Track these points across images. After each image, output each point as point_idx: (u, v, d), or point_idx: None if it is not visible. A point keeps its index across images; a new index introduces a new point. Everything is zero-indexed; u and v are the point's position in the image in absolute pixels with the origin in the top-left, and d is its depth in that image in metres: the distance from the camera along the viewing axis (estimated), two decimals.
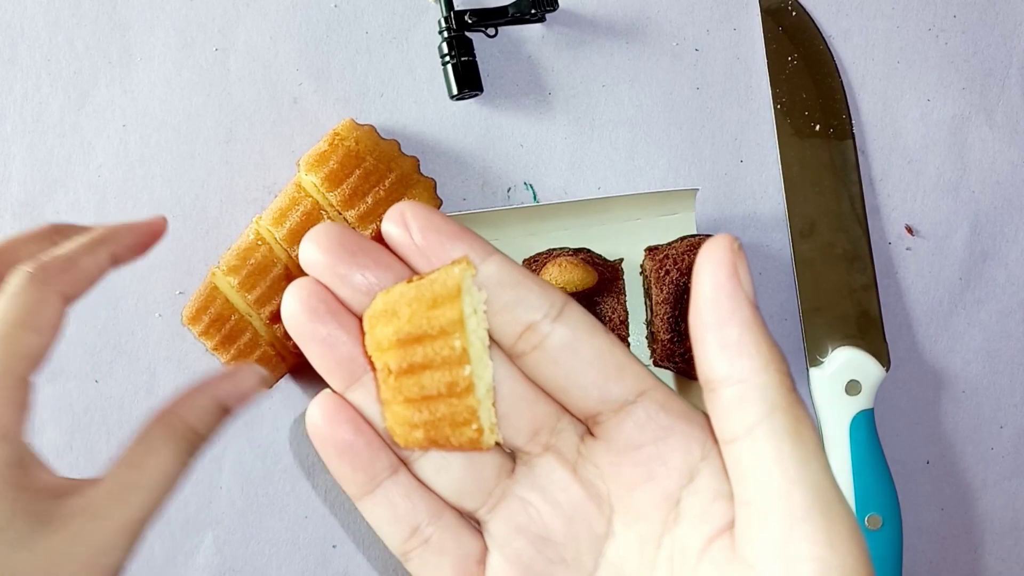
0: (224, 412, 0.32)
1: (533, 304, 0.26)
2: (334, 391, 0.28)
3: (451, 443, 0.26)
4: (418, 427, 0.26)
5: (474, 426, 0.25)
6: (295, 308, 0.27)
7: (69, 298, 0.31)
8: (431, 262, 0.27)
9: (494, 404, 0.26)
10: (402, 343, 0.25)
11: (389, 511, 0.28)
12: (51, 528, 0.28)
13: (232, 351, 0.50)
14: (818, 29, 0.54)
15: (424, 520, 0.28)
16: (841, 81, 0.54)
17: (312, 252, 0.27)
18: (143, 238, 0.34)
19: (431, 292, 0.25)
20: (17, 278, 0.30)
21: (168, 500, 0.30)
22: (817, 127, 0.54)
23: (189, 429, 0.31)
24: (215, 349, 0.50)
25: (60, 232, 0.34)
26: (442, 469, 0.28)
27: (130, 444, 0.31)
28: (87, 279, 0.32)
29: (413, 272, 0.27)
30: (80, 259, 0.32)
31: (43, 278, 0.30)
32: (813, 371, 0.53)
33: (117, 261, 0.33)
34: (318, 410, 0.27)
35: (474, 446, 0.26)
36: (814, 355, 0.53)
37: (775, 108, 0.54)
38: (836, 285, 0.54)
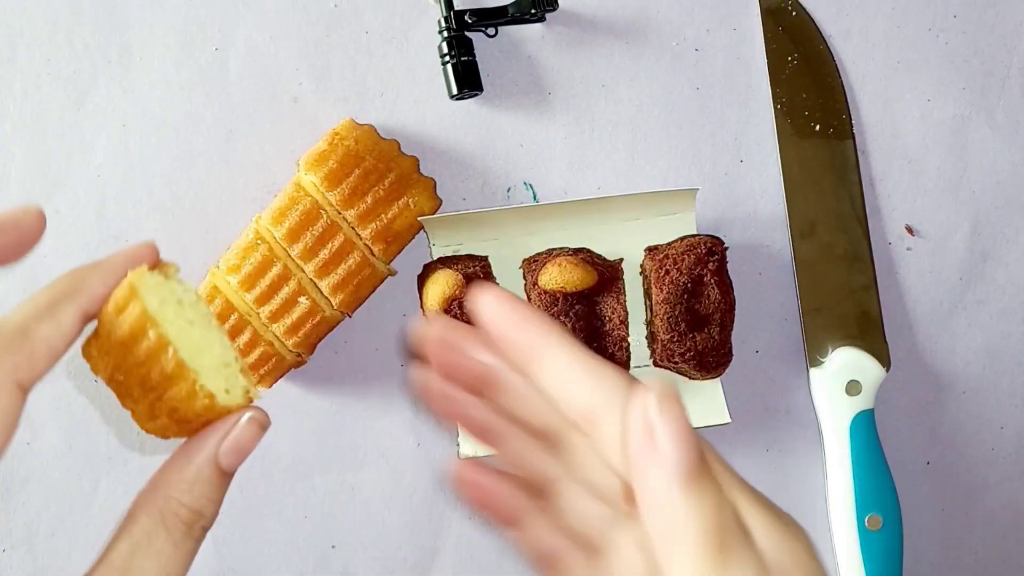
0: (225, 476, 0.28)
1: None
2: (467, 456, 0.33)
3: (194, 419, 0.28)
4: (159, 416, 0.28)
5: (202, 395, 0.27)
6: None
7: (26, 386, 0.24)
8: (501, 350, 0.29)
9: (243, 371, 0.29)
10: (109, 352, 0.28)
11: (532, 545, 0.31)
12: None
13: None
14: (818, 29, 0.54)
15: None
16: (841, 81, 0.54)
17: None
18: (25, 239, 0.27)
19: (113, 303, 0.28)
20: None
21: None
22: (817, 127, 0.54)
23: (186, 512, 0.27)
24: None
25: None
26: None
27: (113, 541, 0.25)
28: (50, 355, 0.25)
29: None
30: (36, 328, 0.24)
31: None
32: (813, 371, 0.53)
33: (88, 317, 0.26)
34: (462, 469, 0.31)
35: (216, 413, 0.28)
36: (814, 355, 0.53)
37: (775, 108, 0.54)
38: (836, 285, 0.54)
